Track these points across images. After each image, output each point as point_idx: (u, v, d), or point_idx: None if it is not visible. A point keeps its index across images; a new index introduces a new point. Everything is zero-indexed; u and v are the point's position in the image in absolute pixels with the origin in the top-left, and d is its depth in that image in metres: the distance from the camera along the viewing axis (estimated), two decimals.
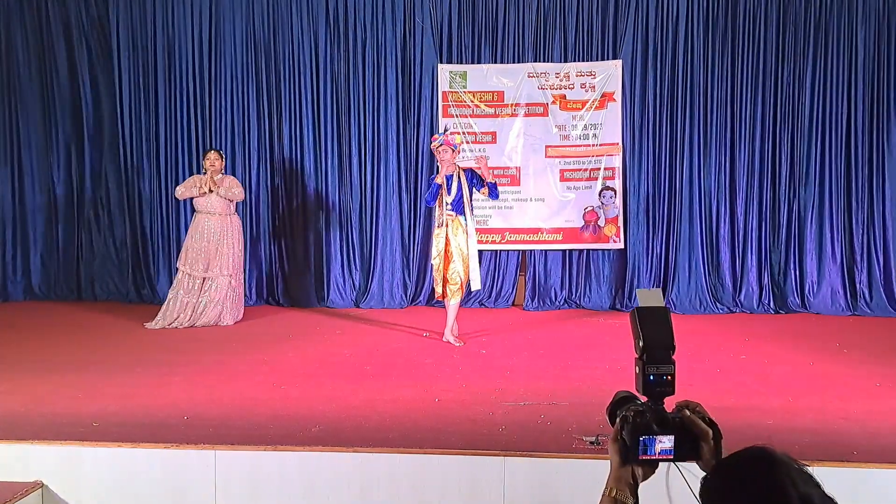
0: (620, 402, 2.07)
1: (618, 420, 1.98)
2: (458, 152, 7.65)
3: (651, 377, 1.98)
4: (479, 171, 7.60)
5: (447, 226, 7.50)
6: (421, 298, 9.75)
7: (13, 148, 10.03)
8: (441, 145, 7.43)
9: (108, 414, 5.17)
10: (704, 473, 1.77)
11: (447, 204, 7.47)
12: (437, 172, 7.57)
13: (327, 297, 9.78)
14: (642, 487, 1.95)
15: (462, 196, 7.48)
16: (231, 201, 8.53)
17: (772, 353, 7.12)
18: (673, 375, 1.98)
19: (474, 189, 7.56)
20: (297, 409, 5.34)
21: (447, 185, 7.44)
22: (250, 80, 9.79)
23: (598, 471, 4.32)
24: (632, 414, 1.93)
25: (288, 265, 9.87)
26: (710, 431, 1.87)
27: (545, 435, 4.76)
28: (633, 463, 1.92)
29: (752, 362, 6.74)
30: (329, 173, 9.81)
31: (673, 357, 2.00)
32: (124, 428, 4.91)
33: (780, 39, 9.27)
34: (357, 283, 9.87)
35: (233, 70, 9.78)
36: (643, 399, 2.00)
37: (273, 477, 4.51)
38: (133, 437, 4.73)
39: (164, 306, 8.44)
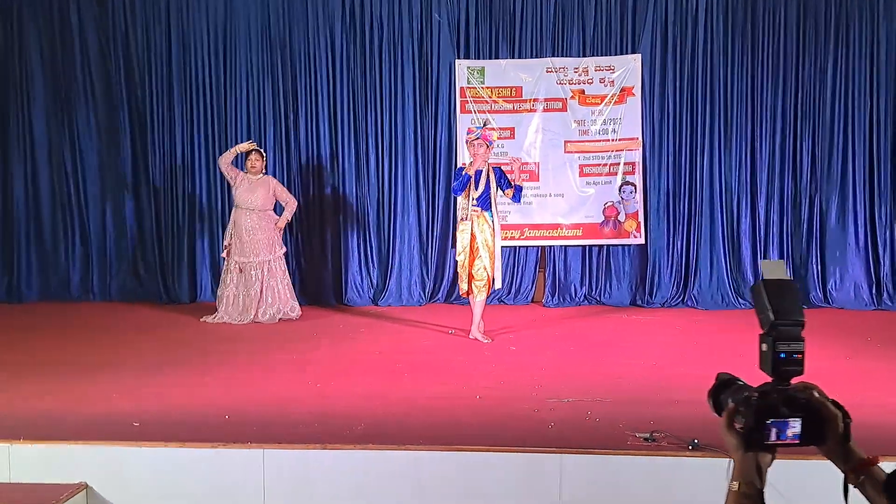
0: (725, 386, 1.95)
1: (731, 404, 1.86)
2: (493, 148, 7.58)
3: (782, 354, 1.84)
4: (508, 172, 7.53)
5: (472, 221, 7.42)
6: (439, 296, 9.67)
7: (26, 147, 9.88)
8: (477, 139, 7.35)
9: (147, 413, 5.09)
10: (892, 470, 1.66)
11: (473, 199, 7.39)
12: (469, 164, 7.48)
13: (345, 296, 9.68)
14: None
15: (489, 192, 7.41)
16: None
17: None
18: (803, 353, 1.86)
19: (499, 189, 7.50)
20: (337, 407, 5.26)
21: (475, 180, 7.36)
22: (266, 77, 9.67)
23: (655, 468, 4.30)
24: (755, 396, 1.80)
25: (305, 263, 9.77)
26: (840, 414, 1.75)
27: (597, 432, 4.70)
28: (758, 449, 1.81)
29: None
30: (346, 170, 9.71)
31: (803, 334, 1.88)
32: (165, 427, 4.84)
33: (800, 32, 9.19)
34: (375, 281, 9.77)
35: (248, 68, 9.67)
36: (745, 381, 1.88)
37: (323, 476, 4.44)
38: (175, 437, 4.65)
39: (218, 302, 8.60)
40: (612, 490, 4.30)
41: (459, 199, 7.59)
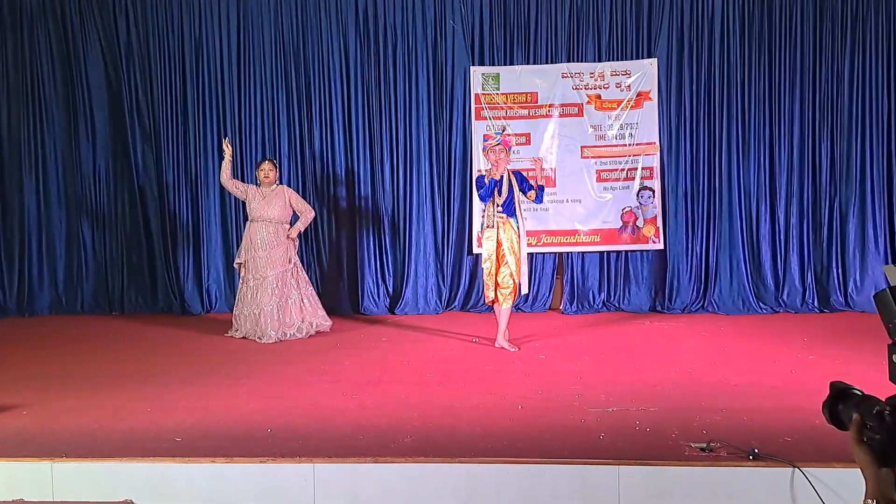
0: (842, 396, 1.88)
1: (857, 417, 1.79)
2: (511, 153, 7.51)
3: None
4: (528, 175, 7.47)
5: (498, 228, 7.34)
6: (456, 304, 9.57)
7: (38, 159, 9.77)
8: (498, 144, 7.29)
9: (186, 428, 4.99)
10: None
11: (498, 206, 7.32)
12: (489, 171, 7.40)
13: (361, 305, 9.58)
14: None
15: (513, 197, 7.34)
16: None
17: (837, 352, 6.96)
18: None
19: (521, 192, 7.43)
20: (379, 418, 5.17)
21: (499, 187, 7.29)
22: (280, 86, 9.59)
23: (715, 478, 4.21)
24: (888, 409, 1.75)
25: (320, 272, 9.67)
26: None
27: (650, 442, 4.61)
28: (894, 464, 1.74)
29: (824, 362, 6.60)
30: (361, 179, 9.62)
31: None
32: (208, 442, 4.75)
33: (817, 34, 9.14)
34: (391, 290, 9.68)
35: (262, 76, 9.58)
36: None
37: (375, 490, 4.34)
38: (219, 452, 4.56)
39: (234, 318, 8.29)
40: (671, 501, 4.21)
41: (485, 206, 7.52)
